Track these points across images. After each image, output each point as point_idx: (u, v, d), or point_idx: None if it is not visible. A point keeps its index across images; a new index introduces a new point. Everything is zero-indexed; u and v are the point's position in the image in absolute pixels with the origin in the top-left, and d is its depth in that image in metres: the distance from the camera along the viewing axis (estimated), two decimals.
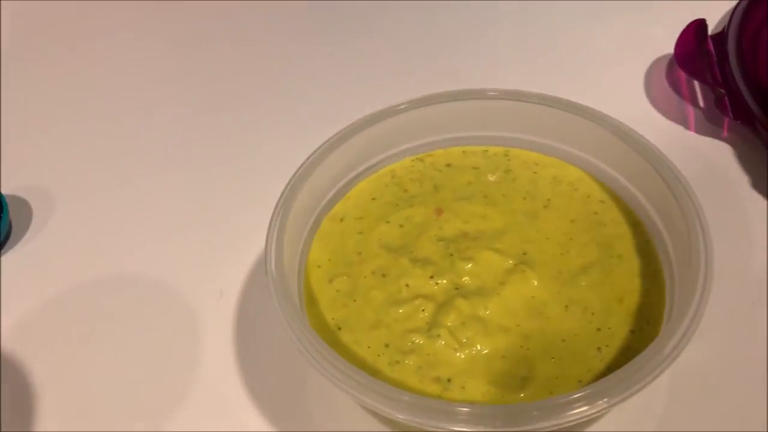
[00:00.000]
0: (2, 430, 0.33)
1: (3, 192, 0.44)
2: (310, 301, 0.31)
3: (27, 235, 0.43)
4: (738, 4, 0.47)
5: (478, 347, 0.28)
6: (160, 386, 0.35)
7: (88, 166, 0.47)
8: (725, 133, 0.44)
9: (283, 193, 0.32)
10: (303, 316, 0.29)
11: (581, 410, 0.23)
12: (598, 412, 0.24)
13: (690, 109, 0.46)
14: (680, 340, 0.25)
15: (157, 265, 0.41)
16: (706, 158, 0.43)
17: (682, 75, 0.48)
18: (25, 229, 0.44)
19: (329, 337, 0.30)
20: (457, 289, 0.30)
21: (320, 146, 0.33)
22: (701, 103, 0.47)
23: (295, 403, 0.34)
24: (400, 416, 0.24)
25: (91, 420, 0.34)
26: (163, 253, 0.41)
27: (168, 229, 0.43)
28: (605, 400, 0.24)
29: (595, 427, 0.31)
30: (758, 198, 0.41)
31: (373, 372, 0.28)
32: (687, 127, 0.45)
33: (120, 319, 0.38)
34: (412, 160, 0.37)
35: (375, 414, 0.32)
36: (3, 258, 0.42)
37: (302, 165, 0.33)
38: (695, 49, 0.46)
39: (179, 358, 0.36)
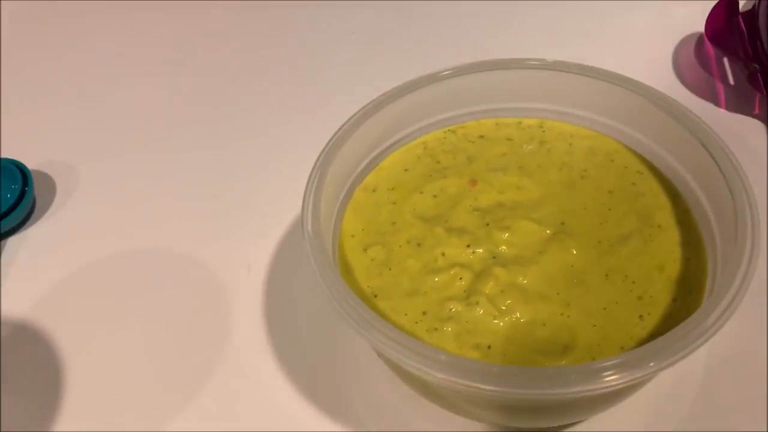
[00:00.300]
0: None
1: (28, 167, 0.44)
2: (345, 269, 0.31)
3: (51, 209, 0.43)
4: None
5: (518, 315, 0.28)
6: (189, 361, 0.35)
7: (113, 141, 0.47)
8: (756, 111, 0.44)
9: (316, 162, 0.31)
10: (340, 279, 0.28)
11: (619, 376, 0.23)
12: (637, 378, 0.23)
13: (720, 86, 0.46)
14: (724, 311, 0.25)
15: (183, 239, 0.40)
16: (738, 135, 0.43)
17: (712, 52, 0.48)
18: (50, 204, 0.44)
19: (367, 303, 0.29)
20: (494, 257, 0.30)
21: (350, 118, 0.33)
22: (731, 81, 0.46)
23: (326, 374, 0.34)
24: (439, 375, 0.24)
25: (119, 394, 0.34)
26: (190, 227, 0.41)
27: (194, 203, 0.42)
28: (651, 363, 0.23)
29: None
30: None
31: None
32: (717, 104, 0.45)
33: (147, 294, 0.38)
34: (445, 132, 0.36)
35: (406, 381, 0.31)
36: (28, 231, 0.42)
37: (333, 137, 0.32)
38: (726, 26, 0.46)
39: (208, 332, 0.36)
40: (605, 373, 0.23)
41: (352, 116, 0.33)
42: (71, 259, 0.40)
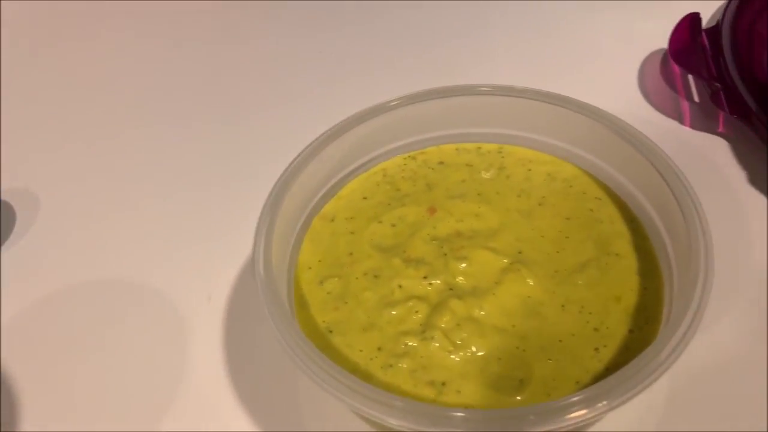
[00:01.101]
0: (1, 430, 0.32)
1: None
2: (301, 304, 0.30)
3: (11, 239, 0.43)
4: None
5: (474, 349, 0.28)
6: (148, 391, 0.35)
7: (74, 170, 0.46)
8: (721, 128, 0.44)
9: (271, 193, 0.31)
10: (293, 319, 0.28)
11: (579, 413, 0.23)
12: (596, 415, 0.23)
13: (685, 104, 0.46)
14: (680, 341, 0.25)
15: (143, 269, 0.40)
16: (701, 153, 0.43)
17: (677, 70, 0.48)
18: (9, 232, 0.43)
19: (320, 340, 0.29)
20: (451, 289, 0.30)
21: (309, 145, 0.32)
22: (696, 98, 0.46)
23: (286, 408, 0.33)
24: (393, 422, 0.24)
25: (76, 424, 0.34)
26: (150, 258, 0.40)
27: (154, 233, 0.42)
28: (604, 402, 0.23)
29: (594, 428, 0.30)
30: (755, 194, 0.40)
31: (366, 376, 0.27)
32: (682, 122, 0.45)
33: (107, 325, 0.38)
34: (404, 158, 0.36)
35: (367, 419, 0.31)
36: None
37: (290, 164, 0.32)
38: (689, 44, 0.46)
39: (167, 363, 0.36)
40: (565, 412, 0.23)
41: (309, 144, 0.32)
42: (31, 290, 0.39)
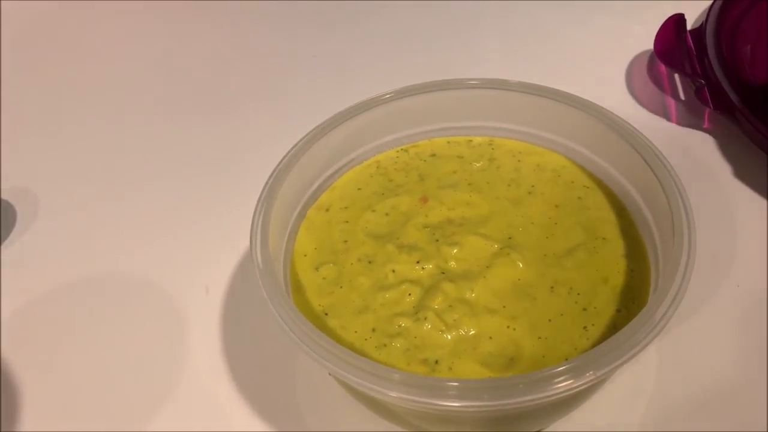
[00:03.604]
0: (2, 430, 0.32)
1: None
2: (297, 289, 0.31)
3: (11, 237, 0.43)
4: (715, 0, 0.48)
5: (465, 329, 0.28)
6: (147, 383, 0.35)
7: (72, 168, 0.47)
8: (706, 125, 0.45)
9: (266, 184, 0.31)
10: (290, 301, 0.29)
11: (567, 383, 0.23)
12: (583, 384, 0.24)
13: (671, 102, 0.47)
14: (665, 313, 0.25)
15: (142, 263, 0.40)
16: (688, 149, 0.44)
17: (663, 69, 0.49)
18: (10, 231, 0.44)
19: (316, 322, 0.29)
20: (443, 273, 0.30)
21: (303, 138, 0.33)
22: (682, 96, 0.47)
23: (284, 396, 0.34)
24: (391, 394, 0.24)
25: (77, 418, 0.34)
26: (148, 251, 0.41)
27: (152, 227, 0.43)
28: (590, 372, 0.24)
29: (588, 402, 0.31)
30: (740, 186, 0.41)
31: (361, 355, 0.28)
32: (669, 118, 0.46)
33: (106, 318, 0.38)
34: (397, 151, 0.37)
35: (363, 403, 0.31)
36: None
37: (285, 156, 0.33)
38: (674, 43, 0.47)
39: (166, 355, 0.36)
40: (553, 381, 0.24)
41: (304, 137, 0.33)
42: (32, 286, 0.40)
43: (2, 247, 0.43)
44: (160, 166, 0.46)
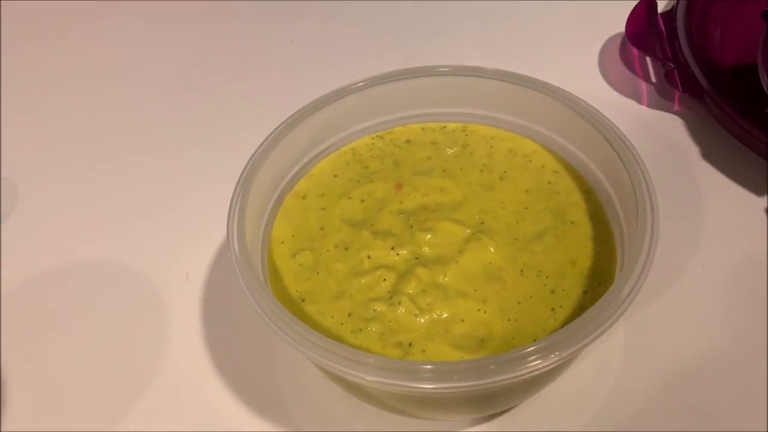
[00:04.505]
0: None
1: None
2: (274, 275, 0.32)
3: None
4: None
5: (438, 312, 0.29)
6: (127, 369, 0.36)
7: (51, 157, 0.47)
8: (677, 107, 0.46)
9: (243, 172, 0.32)
10: (267, 288, 0.29)
11: (535, 363, 0.24)
12: (550, 364, 0.25)
13: (643, 85, 0.48)
14: (629, 293, 0.26)
15: (121, 250, 0.41)
16: (658, 131, 0.45)
17: (635, 52, 0.50)
18: None
19: (293, 308, 0.30)
20: (417, 258, 0.31)
21: (279, 125, 0.34)
22: (653, 79, 0.48)
23: (264, 381, 0.35)
24: (367, 378, 0.25)
25: (57, 403, 0.35)
26: (128, 238, 0.42)
27: (132, 213, 0.43)
28: (557, 352, 0.25)
29: (558, 380, 0.32)
30: (708, 167, 0.42)
31: (337, 340, 0.29)
32: (640, 101, 0.47)
33: (86, 305, 0.39)
34: (373, 138, 0.37)
35: (341, 382, 0.32)
36: None
37: (261, 144, 0.33)
38: (646, 27, 0.48)
39: (147, 340, 0.37)
40: (525, 360, 0.25)
41: (279, 125, 0.34)
42: (11, 275, 0.40)
43: None
44: (139, 153, 0.47)
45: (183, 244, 0.41)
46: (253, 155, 0.33)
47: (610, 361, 0.34)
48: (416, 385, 0.25)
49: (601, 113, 0.33)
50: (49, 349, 0.37)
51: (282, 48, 0.54)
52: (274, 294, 0.31)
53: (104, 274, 0.40)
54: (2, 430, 0.34)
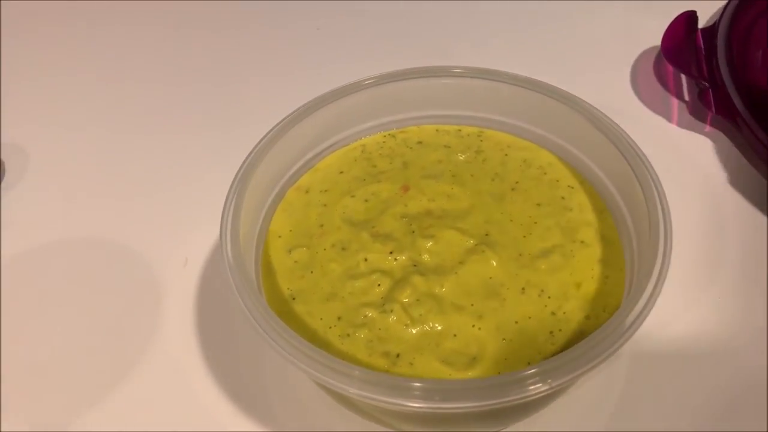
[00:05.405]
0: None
1: None
2: (267, 270, 0.31)
3: None
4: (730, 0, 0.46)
5: (431, 324, 0.28)
6: (117, 349, 0.35)
7: (65, 128, 0.47)
8: (708, 128, 0.44)
9: (243, 163, 0.31)
10: (257, 287, 0.29)
11: (530, 388, 0.23)
12: (540, 392, 0.23)
13: (674, 102, 0.46)
14: (634, 321, 0.25)
15: (123, 228, 0.40)
16: (685, 151, 0.43)
17: (670, 68, 0.48)
18: None
19: (282, 307, 0.29)
20: (415, 266, 0.30)
21: (284, 118, 0.33)
22: (686, 97, 0.46)
23: (251, 377, 0.34)
24: (351, 390, 0.24)
25: (47, 378, 0.34)
26: (131, 217, 0.41)
27: (137, 195, 0.42)
28: (549, 380, 0.23)
29: (555, 404, 0.30)
30: (734, 194, 0.40)
31: (324, 344, 0.28)
32: (670, 119, 0.45)
33: (82, 281, 0.38)
34: (384, 136, 0.36)
35: (329, 390, 0.31)
36: None
37: (265, 136, 0.32)
38: (683, 42, 0.46)
39: (139, 322, 0.36)
40: (515, 386, 0.23)
41: (285, 117, 0.33)
42: (10, 244, 0.40)
43: None
44: (151, 133, 0.46)
45: (185, 230, 0.40)
46: (255, 147, 0.32)
47: (610, 391, 0.32)
48: (402, 402, 0.24)
49: (620, 128, 0.31)
50: (40, 321, 0.37)
51: (306, 37, 0.53)
52: (265, 290, 0.30)
53: (103, 251, 0.40)
54: None
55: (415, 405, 0.24)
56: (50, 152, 0.45)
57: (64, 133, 0.47)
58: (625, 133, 0.31)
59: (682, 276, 0.34)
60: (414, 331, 0.28)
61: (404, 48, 0.51)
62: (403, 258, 0.30)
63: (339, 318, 0.29)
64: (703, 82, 0.43)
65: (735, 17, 0.46)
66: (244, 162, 0.31)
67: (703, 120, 0.44)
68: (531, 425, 0.31)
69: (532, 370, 0.24)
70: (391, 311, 0.28)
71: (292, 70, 0.50)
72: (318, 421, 0.32)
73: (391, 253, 0.30)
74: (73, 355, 0.35)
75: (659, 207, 0.28)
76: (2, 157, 0.45)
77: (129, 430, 0.32)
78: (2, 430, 0.33)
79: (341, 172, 0.35)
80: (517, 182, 0.33)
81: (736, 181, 0.41)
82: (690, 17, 0.46)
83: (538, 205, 0.32)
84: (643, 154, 0.30)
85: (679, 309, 0.35)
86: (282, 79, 0.49)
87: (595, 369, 0.24)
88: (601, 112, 0.32)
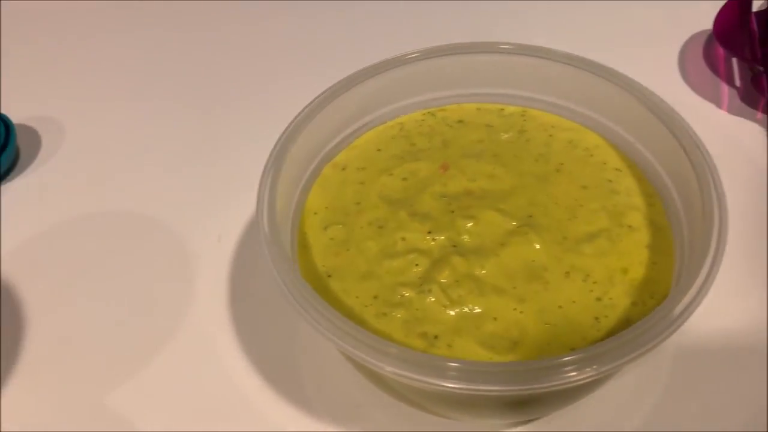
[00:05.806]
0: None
1: (14, 121, 0.44)
2: (303, 247, 0.30)
3: (33, 165, 0.43)
4: None
5: (470, 306, 0.27)
6: (149, 325, 0.35)
7: (100, 102, 0.47)
8: (760, 115, 0.42)
9: (279, 139, 0.30)
10: (293, 262, 0.28)
11: (571, 375, 0.22)
12: (584, 378, 0.22)
13: (725, 88, 0.44)
14: (683, 311, 0.24)
15: (158, 203, 0.40)
16: (736, 139, 0.41)
17: (720, 52, 0.46)
18: (33, 159, 0.44)
19: (318, 284, 0.29)
20: (454, 246, 0.29)
21: (322, 93, 0.32)
22: (737, 83, 0.44)
23: (284, 352, 0.33)
24: (387, 368, 0.23)
25: (79, 351, 0.34)
26: (166, 193, 0.41)
27: (173, 169, 0.42)
28: (594, 367, 0.22)
29: (598, 391, 0.30)
30: None
31: (359, 322, 0.27)
32: (720, 106, 0.43)
33: (117, 255, 0.38)
34: (423, 114, 0.35)
35: (361, 368, 0.31)
36: (7, 186, 0.42)
37: (301, 112, 0.31)
38: (736, 25, 0.44)
39: (171, 298, 0.36)
40: (557, 372, 0.22)
41: (322, 92, 0.32)
42: (47, 216, 0.40)
43: (23, 175, 0.43)
44: (190, 108, 0.46)
45: (219, 206, 0.39)
46: (291, 122, 0.31)
47: (654, 381, 0.31)
48: (439, 383, 0.23)
49: (675, 111, 0.30)
50: (73, 295, 0.37)
51: (348, 12, 0.52)
52: (300, 266, 0.29)
53: (137, 226, 0.39)
54: (23, 367, 0.34)
55: (451, 386, 0.23)
56: (86, 126, 0.45)
57: (100, 107, 0.47)
58: (679, 115, 0.29)
59: (732, 267, 0.32)
60: (452, 313, 0.27)
61: (445, 24, 0.50)
62: (441, 238, 0.29)
63: (375, 297, 0.28)
64: (758, 67, 0.41)
65: None
66: (280, 138, 0.30)
67: (755, 106, 0.42)
68: (569, 415, 0.30)
69: (574, 356, 0.23)
70: (429, 291, 0.28)
71: (333, 44, 0.49)
72: (349, 399, 0.32)
73: (429, 232, 0.30)
74: (107, 330, 0.35)
75: (714, 195, 0.26)
76: (39, 131, 0.45)
77: (161, 403, 0.32)
78: (35, 401, 0.33)
79: (379, 150, 0.34)
80: (561, 164, 0.32)
81: None
82: (744, 1, 0.44)
83: (584, 187, 0.31)
84: (700, 140, 0.28)
85: (729, 301, 0.33)
86: (321, 54, 0.48)
87: (641, 358, 0.23)
88: (654, 93, 0.30)
